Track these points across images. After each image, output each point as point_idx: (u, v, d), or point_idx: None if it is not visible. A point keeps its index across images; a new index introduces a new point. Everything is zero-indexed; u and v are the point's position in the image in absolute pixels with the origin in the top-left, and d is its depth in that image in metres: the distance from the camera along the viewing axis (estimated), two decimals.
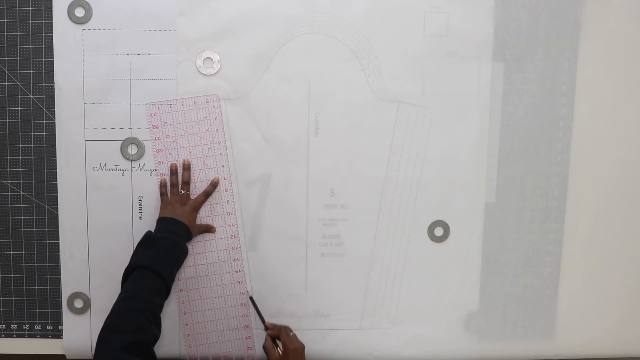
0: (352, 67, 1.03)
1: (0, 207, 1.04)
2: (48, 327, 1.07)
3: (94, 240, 1.04)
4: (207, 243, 1.04)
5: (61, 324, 1.07)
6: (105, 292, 1.05)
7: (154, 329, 0.85)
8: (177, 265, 0.96)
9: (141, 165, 1.03)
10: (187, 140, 1.03)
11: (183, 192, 1.01)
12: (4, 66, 1.01)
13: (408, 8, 1.02)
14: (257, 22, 1.01)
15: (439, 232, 1.07)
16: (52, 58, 1.01)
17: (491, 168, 1.06)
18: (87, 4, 1.00)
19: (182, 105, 1.01)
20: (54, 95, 1.01)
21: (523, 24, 1.04)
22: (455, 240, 1.07)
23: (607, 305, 1.11)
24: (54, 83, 1.01)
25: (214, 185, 1.03)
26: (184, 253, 0.98)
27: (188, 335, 1.05)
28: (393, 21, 1.02)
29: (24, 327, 1.07)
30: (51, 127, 1.02)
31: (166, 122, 1.02)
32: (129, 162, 1.02)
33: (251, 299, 1.04)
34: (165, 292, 0.91)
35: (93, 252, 1.05)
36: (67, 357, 1.07)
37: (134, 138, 1.02)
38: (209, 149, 1.03)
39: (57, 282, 1.06)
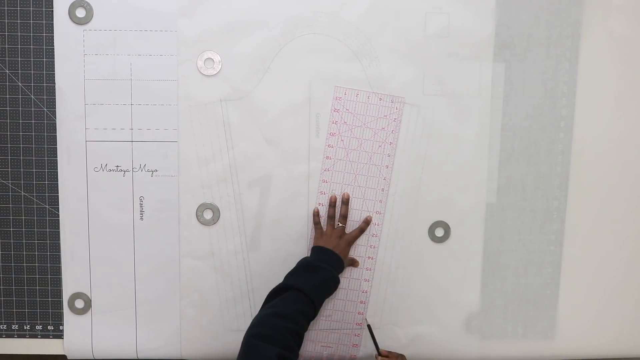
0: (353, 68, 1.03)
1: (2, 208, 1.04)
2: (49, 327, 1.07)
3: (95, 241, 1.05)
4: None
5: (62, 324, 1.07)
6: (106, 293, 1.06)
7: (297, 351, 0.87)
8: (328, 295, 0.98)
9: (142, 166, 1.03)
10: (362, 132, 1.04)
11: (340, 225, 1.03)
12: (5, 66, 1.01)
13: (409, 9, 1.02)
14: (258, 23, 1.01)
15: (439, 232, 1.07)
16: (53, 58, 1.01)
17: (492, 168, 1.06)
18: (88, 4, 1.00)
19: (368, 98, 1.03)
20: (55, 95, 1.01)
21: (524, 24, 1.04)
22: (456, 240, 1.07)
23: (608, 305, 1.11)
24: (55, 83, 1.01)
25: (367, 222, 1.05)
26: (336, 285, 0.99)
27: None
28: (394, 22, 1.02)
29: (25, 328, 1.07)
30: (52, 128, 1.03)
31: (347, 110, 1.03)
32: (204, 225, 1.04)
33: (369, 326, 1.05)
34: (313, 317, 0.93)
35: (94, 253, 1.05)
36: (68, 358, 1.08)
37: (209, 204, 1.03)
38: (379, 146, 1.04)
39: (58, 282, 1.06)
